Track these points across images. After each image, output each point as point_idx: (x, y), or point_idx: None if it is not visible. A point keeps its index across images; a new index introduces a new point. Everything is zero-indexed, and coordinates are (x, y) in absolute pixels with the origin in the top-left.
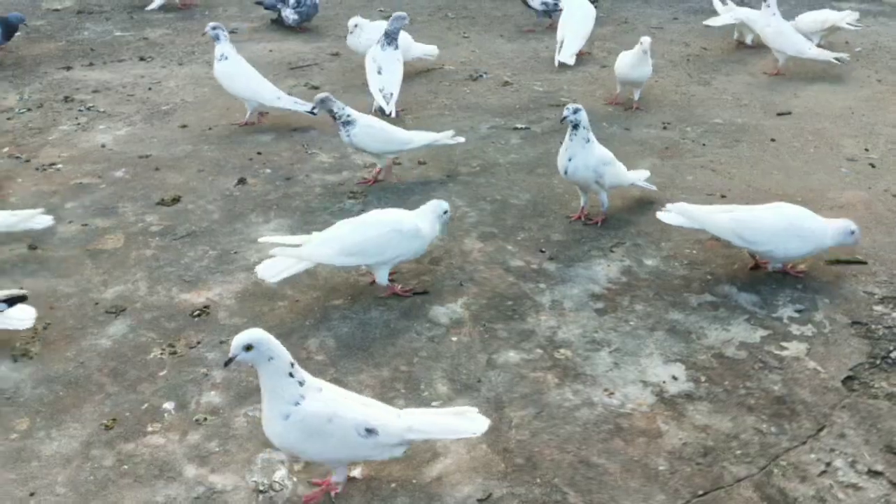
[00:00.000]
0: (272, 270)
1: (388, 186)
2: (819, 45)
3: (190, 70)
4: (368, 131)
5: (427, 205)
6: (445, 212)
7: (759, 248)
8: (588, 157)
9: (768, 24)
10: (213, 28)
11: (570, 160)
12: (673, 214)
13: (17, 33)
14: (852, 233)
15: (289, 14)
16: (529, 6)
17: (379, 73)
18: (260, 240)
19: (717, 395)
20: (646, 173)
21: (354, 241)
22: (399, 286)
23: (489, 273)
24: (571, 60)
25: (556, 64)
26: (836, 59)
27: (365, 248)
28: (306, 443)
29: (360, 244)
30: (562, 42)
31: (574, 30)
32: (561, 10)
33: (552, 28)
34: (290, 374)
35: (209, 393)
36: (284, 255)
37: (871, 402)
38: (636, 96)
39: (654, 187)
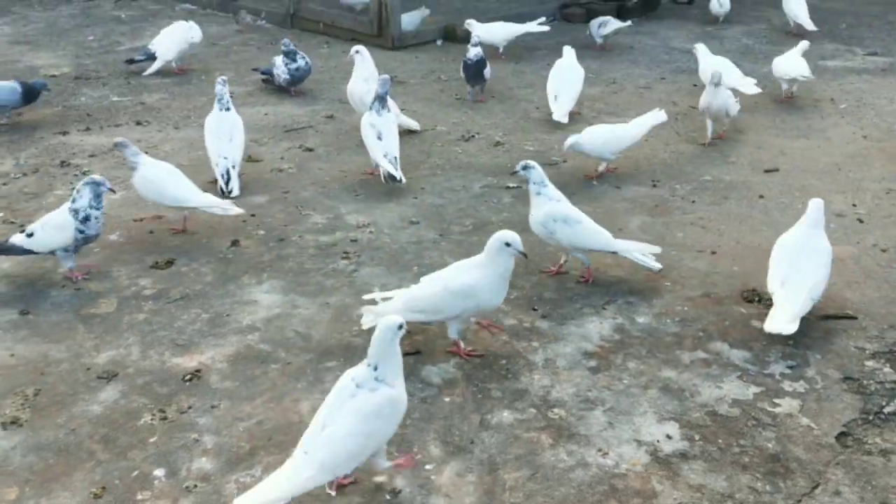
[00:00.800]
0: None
1: (381, 246)
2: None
3: (186, 134)
4: (144, 182)
5: (489, 243)
6: (507, 244)
7: None
8: (537, 212)
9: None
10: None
11: (530, 215)
12: None
13: (37, 99)
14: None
15: (280, 73)
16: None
17: (379, 138)
18: (364, 297)
19: (711, 453)
20: (651, 248)
21: (417, 298)
22: (465, 349)
23: (482, 332)
24: (565, 119)
25: (554, 119)
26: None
27: (424, 307)
28: None
29: (420, 302)
30: (555, 98)
31: (567, 90)
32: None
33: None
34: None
35: (200, 459)
36: (369, 312)
37: (865, 458)
38: (601, 167)
39: (656, 266)
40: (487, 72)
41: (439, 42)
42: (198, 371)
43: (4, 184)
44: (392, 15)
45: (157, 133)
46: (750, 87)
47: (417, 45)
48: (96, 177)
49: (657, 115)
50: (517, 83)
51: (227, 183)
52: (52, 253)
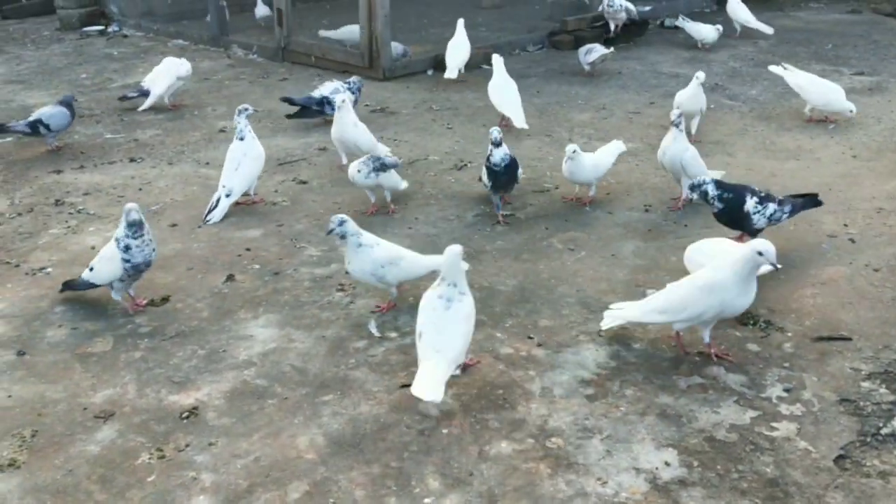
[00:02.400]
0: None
1: None
2: None
3: (180, 169)
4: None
5: (741, 254)
6: (760, 253)
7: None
8: (364, 262)
9: (686, 148)
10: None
11: (348, 263)
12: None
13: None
14: None
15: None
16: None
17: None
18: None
19: (710, 479)
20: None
21: (660, 299)
22: (714, 349)
23: (483, 361)
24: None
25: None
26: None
27: (667, 306)
28: None
29: (664, 302)
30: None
31: (512, 100)
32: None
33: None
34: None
35: (198, 497)
36: (610, 317)
37: (863, 480)
38: (591, 191)
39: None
40: (520, 172)
41: (430, 72)
42: (195, 408)
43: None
44: (382, 47)
45: (152, 169)
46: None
47: (408, 76)
48: (129, 204)
49: (618, 146)
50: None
51: (209, 210)
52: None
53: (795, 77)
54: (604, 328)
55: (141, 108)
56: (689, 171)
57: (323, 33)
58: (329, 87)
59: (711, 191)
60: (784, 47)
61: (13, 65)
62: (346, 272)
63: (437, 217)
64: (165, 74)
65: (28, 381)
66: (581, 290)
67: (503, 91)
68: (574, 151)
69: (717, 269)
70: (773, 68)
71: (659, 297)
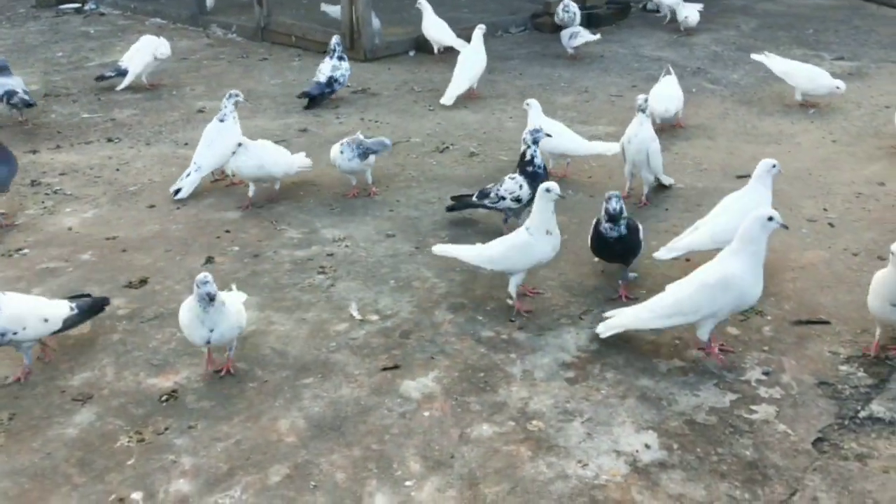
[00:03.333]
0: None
1: (358, 260)
2: None
3: (158, 150)
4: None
5: (746, 224)
6: (770, 218)
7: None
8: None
9: (654, 138)
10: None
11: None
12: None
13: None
14: None
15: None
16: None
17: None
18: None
19: (689, 462)
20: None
21: (671, 302)
22: (716, 347)
23: (460, 345)
24: (450, 101)
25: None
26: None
27: (680, 308)
28: None
29: (676, 304)
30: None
31: (462, 73)
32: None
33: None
34: None
35: (178, 481)
36: (607, 326)
37: (841, 463)
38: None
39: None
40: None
41: (411, 53)
42: (174, 391)
43: None
44: (364, 27)
45: (129, 150)
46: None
47: (390, 57)
48: None
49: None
50: (490, 92)
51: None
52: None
53: (779, 64)
54: (602, 337)
55: (119, 88)
56: (653, 162)
57: (324, 7)
58: (328, 67)
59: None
60: (766, 32)
61: None
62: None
63: (419, 200)
64: (143, 53)
65: (3, 363)
66: (563, 274)
67: (467, 62)
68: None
69: (725, 260)
70: (755, 56)
71: (664, 300)
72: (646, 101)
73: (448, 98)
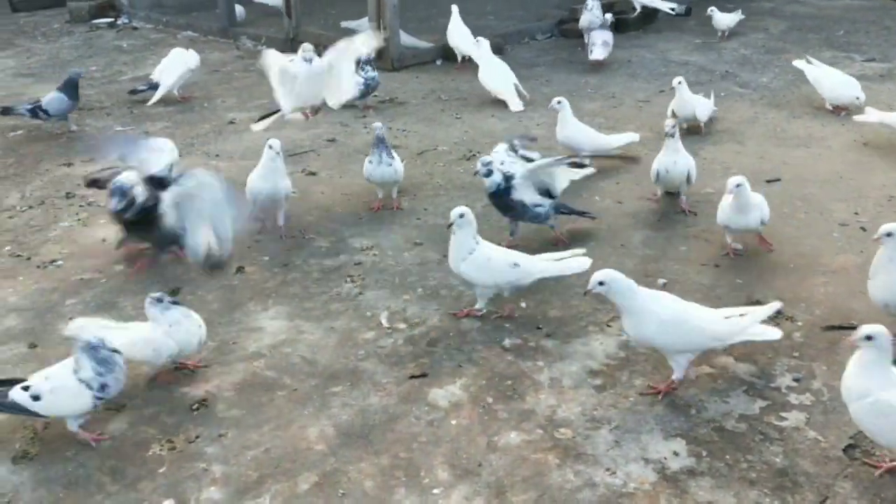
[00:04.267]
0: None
1: (386, 268)
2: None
3: (189, 161)
4: None
5: None
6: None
7: None
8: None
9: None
10: None
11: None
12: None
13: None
14: None
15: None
16: None
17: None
18: None
19: (718, 469)
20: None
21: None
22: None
23: (487, 352)
24: (519, 107)
25: (514, 109)
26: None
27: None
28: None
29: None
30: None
31: (506, 80)
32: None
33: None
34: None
35: (209, 489)
36: None
37: (872, 470)
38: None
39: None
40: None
41: (439, 62)
42: (204, 400)
43: (10, 217)
44: (392, 37)
45: None
46: None
47: (417, 66)
48: (89, 338)
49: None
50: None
51: None
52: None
53: (811, 70)
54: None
55: (150, 103)
56: (693, 179)
57: (345, 24)
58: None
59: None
60: (795, 34)
61: (24, 58)
62: None
63: (447, 208)
64: (173, 66)
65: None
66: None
67: (494, 74)
68: (559, 102)
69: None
70: (797, 63)
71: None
72: (674, 126)
73: (515, 105)
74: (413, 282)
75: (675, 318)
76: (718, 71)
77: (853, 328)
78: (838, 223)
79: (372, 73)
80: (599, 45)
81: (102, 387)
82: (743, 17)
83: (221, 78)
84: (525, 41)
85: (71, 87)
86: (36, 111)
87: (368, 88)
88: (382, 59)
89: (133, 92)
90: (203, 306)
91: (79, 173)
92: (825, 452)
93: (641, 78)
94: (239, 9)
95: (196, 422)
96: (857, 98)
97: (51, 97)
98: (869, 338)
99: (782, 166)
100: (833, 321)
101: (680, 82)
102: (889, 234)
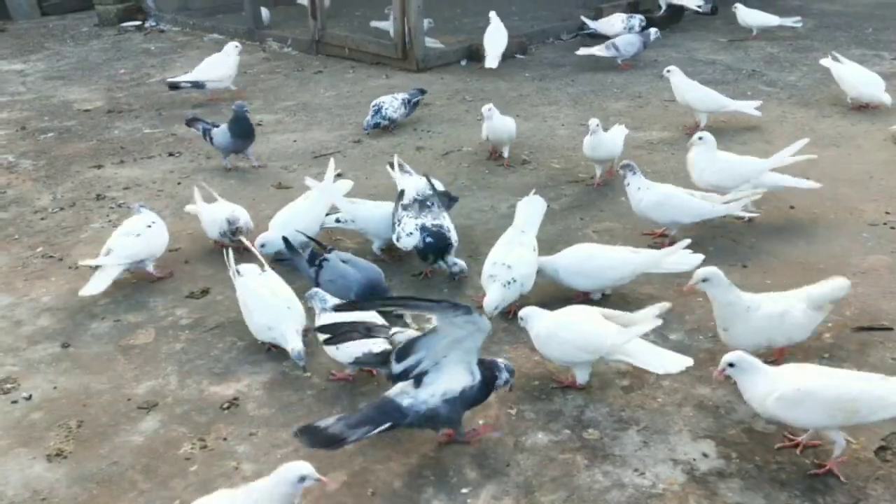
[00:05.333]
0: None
1: (411, 268)
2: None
3: (217, 162)
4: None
5: None
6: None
7: None
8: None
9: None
10: None
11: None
12: None
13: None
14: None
15: (398, 115)
16: None
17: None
18: None
19: (748, 471)
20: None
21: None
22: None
23: (514, 353)
24: (495, 63)
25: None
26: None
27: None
28: None
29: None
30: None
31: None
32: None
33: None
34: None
35: None
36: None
37: None
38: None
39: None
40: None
41: (463, 63)
42: (235, 399)
43: (42, 218)
44: (416, 37)
45: (190, 163)
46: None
47: (442, 67)
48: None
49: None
50: (542, 100)
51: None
52: None
53: (836, 68)
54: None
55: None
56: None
57: (374, 24)
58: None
59: None
60: (823, 31)
61: (53, 61)
62: None
63: (471, 208)
64: (224, 62)
65: (73, 372)
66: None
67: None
68: (597, 125)
69: None
70: (824, 62)
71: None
72: (700, 139)
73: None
74: (439, 281)
75: None
76: (745, 70)
77: (885, 329)
78: (868, 223)
79: (416, 99)
80: (609, 46)
81: None
82: (800, 23)
83: (248, 80)
84: (550, 41)
85: (235, 123)
86: (207, 133)
87: (410, 108)
88: (407, 60)
89: (174, 87)
90: (233, 306)
91: (108, 175)
92: (856, 454)
93: (666, 78)
94: (265, 11)
95: (227, 420)
96: (881, 100)
97: (220, 129)
98: (731, 364)
99: (811, 166)
100: (863, 322)
101: (598, 125)
102: None
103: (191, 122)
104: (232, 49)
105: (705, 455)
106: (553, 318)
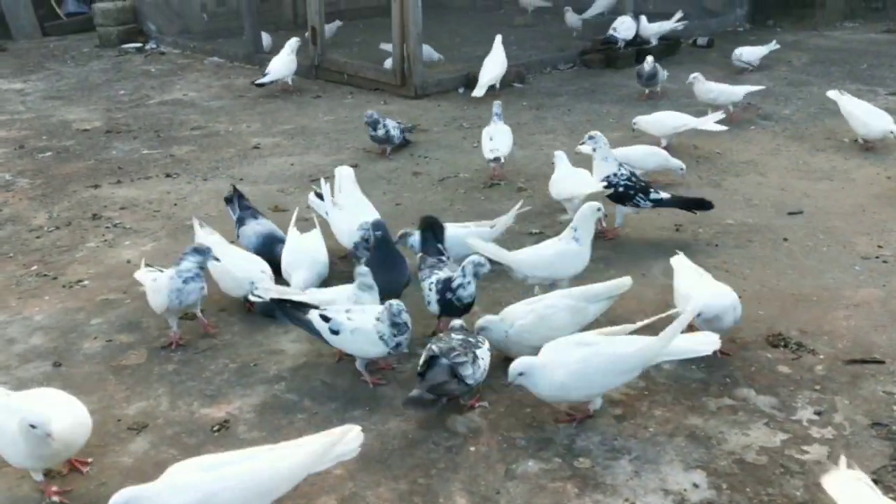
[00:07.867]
0: None
1: (408, 292)
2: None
3: (214, 185)
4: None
5: None
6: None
7: None
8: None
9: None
10: None
11: None
12: None
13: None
14: None
15: (396, 134)
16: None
17: (491, 139)
18: None
19: (739, 502)
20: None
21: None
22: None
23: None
24: (481, 93)
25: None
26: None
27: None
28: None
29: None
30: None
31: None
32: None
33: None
34: None
35: None
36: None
37: None
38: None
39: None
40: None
41: (461, 90)
42: (226, 421)
43: (38, 237)
44: (415, 65)
45: (187, 185)
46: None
47: (439, 94)
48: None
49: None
50: (538, 129)
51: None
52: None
53: (845, 104)
54: None
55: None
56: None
57: (383, 46)
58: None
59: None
60: (818, 67)
61: (53, 80)
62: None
63: None
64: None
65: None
66: (610, 309)
67: (488, 63)
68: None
69: None
70: (830, 93)
71: None
72: (682, 169)
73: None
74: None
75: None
76: (741, 102)
77: (877, 362)
78: (861, 256)
79: (406, 130)
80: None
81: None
82: (777, 46)
83: (246, 104)
84: (547, 71)
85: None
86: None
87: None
88: (405, 87)
89: (260, 85)
90: (226, 328)
91: (105, 195)
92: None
93: (663, 108)
94: (266, 36)
95: (217, 443)
96: (892, 132)
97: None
98: (521, 374)
99: (805, 198)
100: (855, 355)
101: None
102: None
103: (230, 202)
104: (294, 44)
105: (696, 485)
106: (567, 358)
